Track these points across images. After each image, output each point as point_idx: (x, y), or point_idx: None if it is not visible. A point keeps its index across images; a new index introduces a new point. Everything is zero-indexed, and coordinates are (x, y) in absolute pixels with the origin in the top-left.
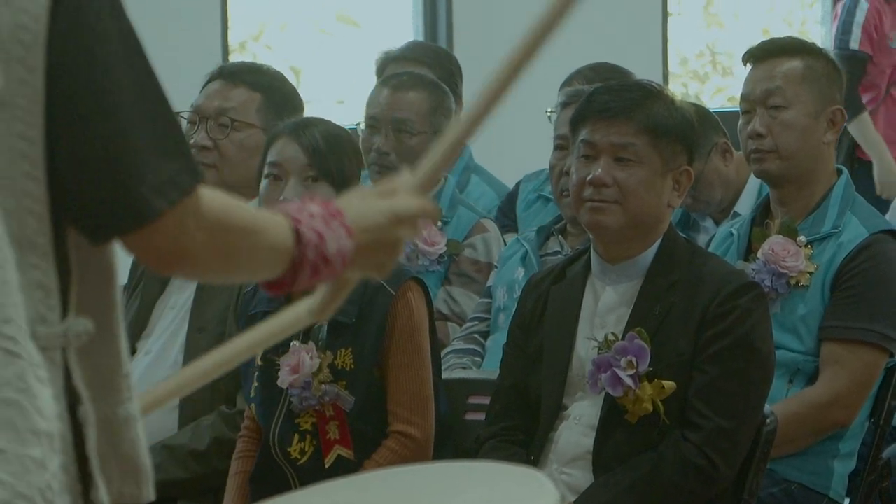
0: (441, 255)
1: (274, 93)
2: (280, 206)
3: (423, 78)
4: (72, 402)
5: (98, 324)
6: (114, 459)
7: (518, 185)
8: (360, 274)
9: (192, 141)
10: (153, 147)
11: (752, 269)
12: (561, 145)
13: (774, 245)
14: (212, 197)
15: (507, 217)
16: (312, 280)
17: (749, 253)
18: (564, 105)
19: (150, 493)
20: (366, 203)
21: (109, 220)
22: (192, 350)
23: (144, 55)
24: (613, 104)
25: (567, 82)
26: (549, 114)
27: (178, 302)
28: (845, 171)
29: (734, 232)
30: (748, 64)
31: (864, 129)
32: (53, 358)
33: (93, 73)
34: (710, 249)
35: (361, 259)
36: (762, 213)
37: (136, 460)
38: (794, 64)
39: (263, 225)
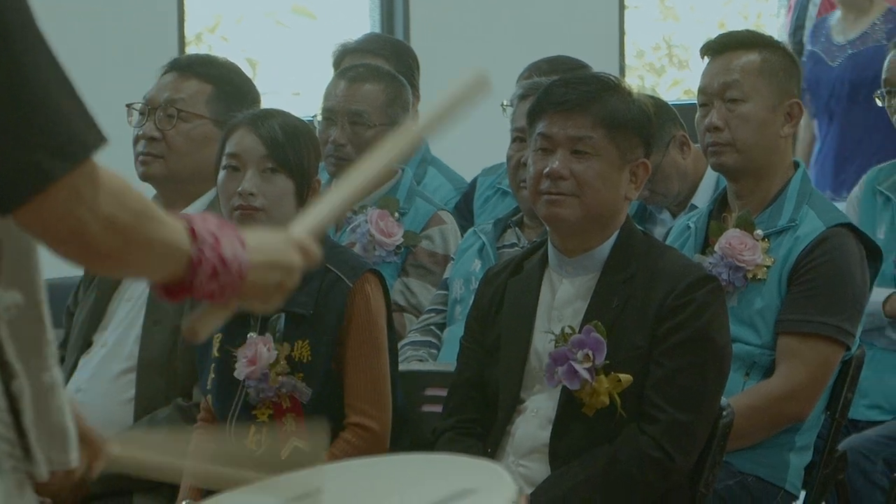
0: (398, 247)
1: (226, 84)
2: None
3: (380, 70)
4: (4, 375)
5: (23, 293)
6: (41, 427)
7: (475, 181)
8: (255, 297)
9: (140, 132)
10: (55, 110)
11: (710, 263)
12: (519, 137)
13: (731, 238)
14: (111, 173)
15: (463, 217)
16: (212, 284)
17: (706, 246)
18: (522, 97)
19: (76, 458)
20: (260, 231)
21: (11, 184)
22: (148, 343)
23: (38, 24)
24: (570, 97)
25: (524, 75)
26: (504, 106)
27: (134, 294)
28: (802, 164)
29: (691, 225)
30: (706, 57)
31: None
32: None
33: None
34: (668, 242)
35: (257, 275)
36: (719, 206)
37: (62, 427)
38: (752, 57)
39: (161, 216)
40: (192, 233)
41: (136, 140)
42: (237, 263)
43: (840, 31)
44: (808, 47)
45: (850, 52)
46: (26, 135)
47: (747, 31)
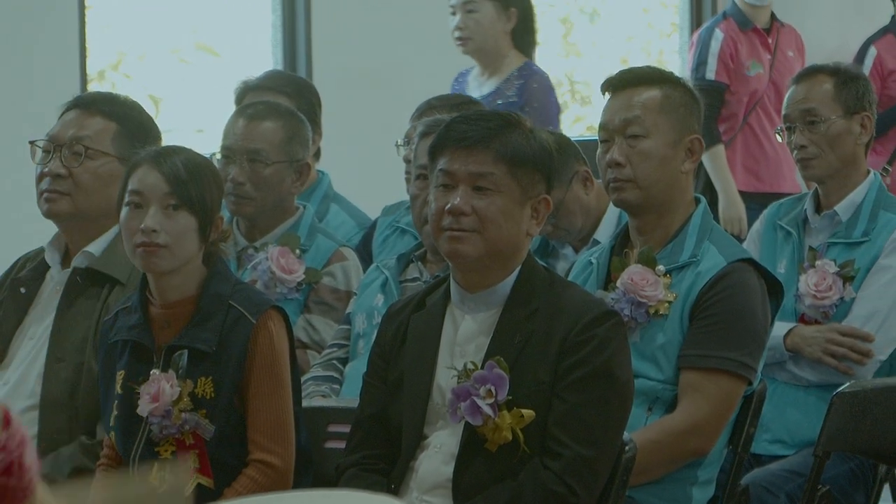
0: (299, 283)
1: (129, 122)
2: None
3: (279, 107)
4: None
5: None
6: None
7: (375, 222)
8: None
9: (45, 169)
10: None
11: (612, 299)
12: (422, 175)
13: (633, 274)
14: None
15: (363, 259)
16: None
17: (608, 282)
18: (423, 135)
19: None
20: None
21: None
22: (50, 380)
23: None
24: (471, 133)
25: (416, 115)
26: (398, 146)
27: (36, 332)
28: (703, 199)
29: (593, 261)
30: (606, 93)
31: (715, 162)
32: None
33: None
34: (570, 278)
35: None
36: (621, 241)
37: None
38: (653, 93)
39: None
40: (7, 419)
41: (40, 177)
42: (30, 477)
43: (476, 86)
44: None
45: None
46: None
47: (648, 67)
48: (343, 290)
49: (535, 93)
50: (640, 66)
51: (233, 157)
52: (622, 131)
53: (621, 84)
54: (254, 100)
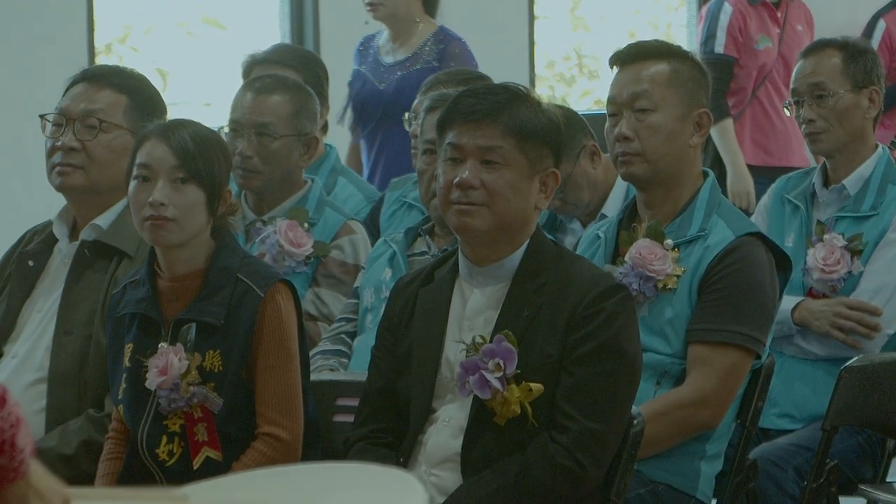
0: (308, 257)
1: (139, 95)
2: None
3: (286, 81)
4: None
5: None
6: None
7: (383, 197)
8: None
9: (58, 143)
10: None
11: (620, 273)
12: (429, 150)
13: (641, 248)
14: None
15: (371, 234)
16: None
17: (616, 256)
18: (430, 109)
19: None
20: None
21: None
22: (59, 353)
23: None
24: (479, 107)
25: (423, 89)
26: (405, 120)
27: (45, 305)
28: (711, 173)
29: (601, 235)
30: (615, 67)
31: (724, 136)
32: None
33: None
34: (578, 252)
35: (21, 492)
36: (629, 215)
37: None
38: (661, 67)
39: None
40: (2, 399)
41: (52, 151)
42: (22, 458)
43: (388, 51)
44: (354, 66)
45: (399, 73)
46: None
47: (656, 41)
48: (351, 264)
49: (457, 58)
50: (648, 39)
51: (241, 130)
52: (630, 105)
53: (629, 58)
54: (261, 73)
